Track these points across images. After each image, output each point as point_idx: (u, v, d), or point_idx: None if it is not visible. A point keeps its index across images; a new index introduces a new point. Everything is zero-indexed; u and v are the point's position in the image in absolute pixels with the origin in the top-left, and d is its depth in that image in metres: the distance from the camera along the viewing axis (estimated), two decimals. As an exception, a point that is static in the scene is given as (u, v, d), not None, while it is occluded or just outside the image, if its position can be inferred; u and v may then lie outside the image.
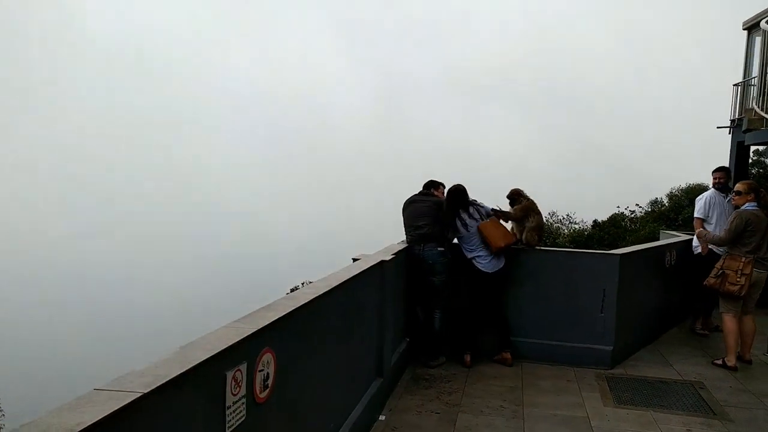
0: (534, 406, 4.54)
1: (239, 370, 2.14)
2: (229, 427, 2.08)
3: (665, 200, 24.76)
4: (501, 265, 5.33)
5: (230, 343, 2.07)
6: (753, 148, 13.43)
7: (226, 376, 2.04)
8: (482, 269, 5.27)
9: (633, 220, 21.08)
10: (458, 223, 5.34)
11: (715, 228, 6.57)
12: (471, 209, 5.36)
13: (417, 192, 5.63)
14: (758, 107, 6.38)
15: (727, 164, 14.57)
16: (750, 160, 18.04)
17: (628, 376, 5.29)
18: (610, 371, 5.39)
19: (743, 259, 5.48)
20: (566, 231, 18.33)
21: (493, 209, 5.50)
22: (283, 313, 2.55)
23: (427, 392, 4.79)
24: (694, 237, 6.76)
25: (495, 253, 5.27)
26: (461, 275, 5.39)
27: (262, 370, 2.33)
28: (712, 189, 6.81)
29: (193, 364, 1.79)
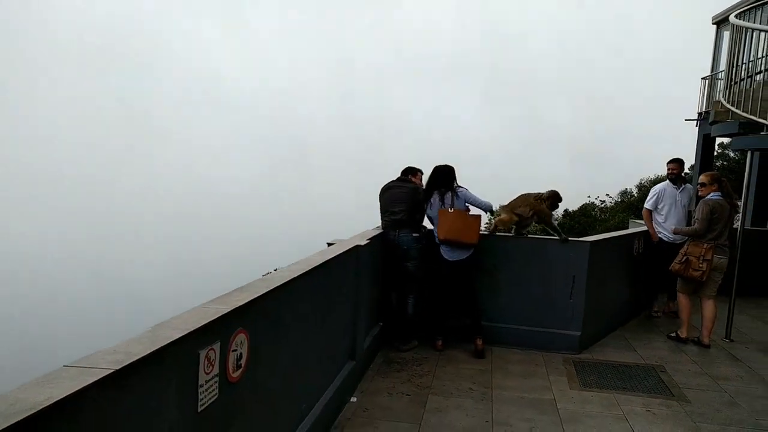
0: (502, 389, 4.65)
1: (212, 349, 2.16)
2: (202, 405, 2.11)
3: (635, 191, 25.24)
4: (463, 256, 5.29)
5: (204, 323, 2.09)
6: (717, 141, 13.79)
7: (199, 354, 2.06)
8: (444, 256, 5.34)
9: (603, 209, 21.52)
10: (428, 203, 5.36)
11: (665, 219, 6.84)
12: (448, 194, 5.32)
13: (395, 178, 5.66)
14: (725, 100, 6.54)
15: (694, 156, 14.99)
16: (715, 153, 18.55)
17: (594, 361, 5.44)
18: (577, 356, 5.53)
19: (705, 246, 5.76)
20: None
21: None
22: (257, 295, 2.57)
23: (399, 375, 4.86)
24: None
25: (442, 242, 5.28)
26: (434, 261, 5.45)
27: (235, 350, 2.36)
28: (667, 180, 7.02)
29: (166, 343, 1.81)
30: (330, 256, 3.71)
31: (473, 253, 5.34)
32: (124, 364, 1.61)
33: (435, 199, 5.34)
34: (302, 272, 3.14)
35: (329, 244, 4.34)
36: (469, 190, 5.40)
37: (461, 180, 5.48)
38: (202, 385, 2.10)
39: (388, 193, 5.51)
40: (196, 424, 2.08)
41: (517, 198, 5.78)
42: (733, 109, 6.36)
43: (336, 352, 4.07)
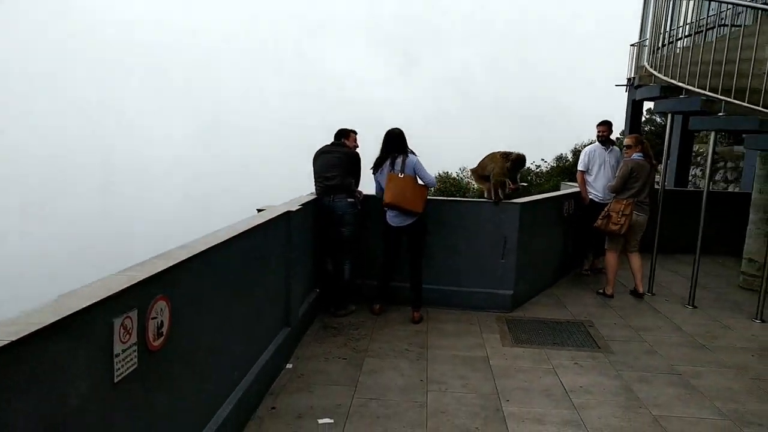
0: (437, 348, 4.74)
1: (129, 317, 2.08)
2: (119, 375, 2.04)
3: (570, 155, 25.91)
4: (407, 222, 5.25)
5: (118, 290, 2.01)
6: (646, 106, 14.30)
7: (113, 323, 1.99)
8: (388, 221, 5.34)
9: (538, 174, 22.04)
10: (380, 169, 5.29)
11: (595, 179, 7.13)
12: (399, 158, 5.21)
13: (328, 143, 5.58)
14: (648, 65, 6.75)
15: (624, 120, 15.49)
16: (643, 118, 19.25)
17: (526, 318, 5.61)
18: (510, 314, 5.70)
19: (624, 202, 6.16)
20: (476, 185, 18.88)
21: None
22: (177, 261, 2.49)
23: (336, 340, 4.88)
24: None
25: (387, 206, 5.21)
26: (381, 225, 5.43)
27: (155, 318, 2.29)
28: (596, 142, 7.29)
29: (70, 312, 1.72)
30: (258, 222, 3.64)
31: (419, 220, 5.28)
32: (21, 335, 1.52)
33: (386, 165, 5.25)
34: (227, 238, 3.07)
35: (259, 210, 4.25)
36: (420, 160, 5.27)
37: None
38: (118, 355, 2.03)
39: (321, 158, 5.44)
40: (112, 395, 2.02)
41: (485, 158, 5.82)
42: (655, 73, 6.58)
43: (269, 319, 4.03)
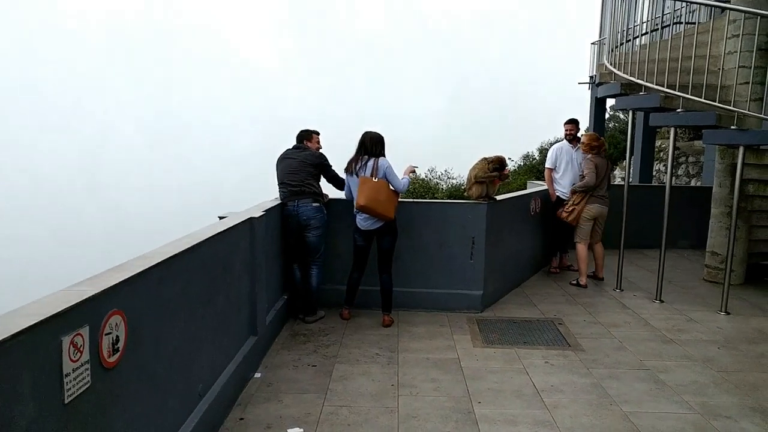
0: (408, 352, 4.69)
1: (79, 334, 1.98)
2: (70, 396, 1.93)
3: (536, 154, 26.19)
4: (377, 225, 5.15)
5: (66, 306, 1.91)
6: (609, 103, 14.53)
7: (62, 341, 1.88)
8: (358, 224, 5.27)
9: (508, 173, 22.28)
10: (354, 172, 5.17)
11: (562, 176, 7.23)
12: (371, 161, 5.10)
13: (291, 146, 5.49)
14: (608, 62, 6.84)
15: (588, 117, 15.72)
16: (607, 116, 19.57)
17: (496, 318, 5.61)
18: (480, 314, 5.69)
19: (578, 194, 6.75)
20: (444, 186, 18.94)
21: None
22: (133, 273, 2.39)
23: (305, 347, 4.79)
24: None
25: (360, 209, 5.09)
26: (350, 229, 5.35)
27: (109, 333, 2.18)
28: (564, 140, 7.38)
29: (14, 332, 1.62)
30: (220, 230, 3.54)
31: (389, 223, 5.19)
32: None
33: (359, 167, 5.15)
34: (186, 248, 2.97)
35: (221, 218, 4.15)
36: (392, 166, 5.18)
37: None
38: (68, 374, 1.93)
39: (283, 164, 5.35)
40: (63, 417, 1.91)
41: (477, 163, 5.80)
42: (615, 71, 6.66)
43: (234, 329, 3.93)
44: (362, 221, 5.20)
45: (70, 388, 1.94)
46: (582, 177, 6.80)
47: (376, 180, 5.06)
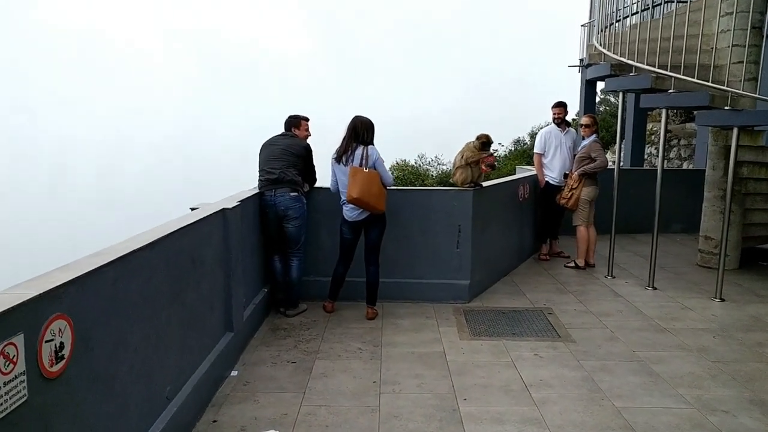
0: (392, 346, 4.51)
1: (11, 343, 1.78)
2: (2, 411, 1.73)
3: (527, 138, 26.02)
4: (364, 216, 4.92)
5: (-7, 314, 1.71)
6: (600, 87, 14.34)
7: (-12, 353, 1.68)
8: (345, 216, 5.02)
9: (497, 159, 22.07)
10: (345, 161, 4.87)
11: (551, 161, 7.04)
12: (360, 149, 4.82)
13: (278, 133, 5.25)
14: (597, 43, 6.64)
15: (579, 101, 15.54)
16: (598, 99, 19.40)
17: (484, 308, 5.44)
18: (467, 305, 5.51)
19: (575, 177, 6.65)
20: (435, 172, 18.74)
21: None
22: (81, 273, 2.18)
23: (285, 342, 4.60)
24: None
25: (352, 201, 4.82)
26: (337, 219, 5.13)
27: (51, 340, 1.98)
28: (552, 124, 7.19)
29: None
30: (188, 223, 3.33)
31: (378, 214, 4.96)
32: None
33: (348, 156, 4.85)
34: (147, 243, 2.75)
35: (193, 209, 3.93)
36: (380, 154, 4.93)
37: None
38: (-2, 389, 1.73)
39: (266, 150, 5.12)
40: (-7, 436, 1.71)
41: (464, 147, 5.59)
42: (604, 51, 6.47)
43: (208, 325, 3.73)
44: (349, 212, 4.96)
45: (1, 404, 1.74)
46: (584, 160, 6.64)
47: (368, 171, 4.79)
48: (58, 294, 2.03)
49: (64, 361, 2.05)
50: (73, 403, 2.14)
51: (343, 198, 4.92)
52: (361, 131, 4.88)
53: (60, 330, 2.03)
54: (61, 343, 2.04)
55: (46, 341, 1.96)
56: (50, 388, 1.99)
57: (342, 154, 4.89)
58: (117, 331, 2.47)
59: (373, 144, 4.94)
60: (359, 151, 4.83)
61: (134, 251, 2.62)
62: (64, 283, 2.07)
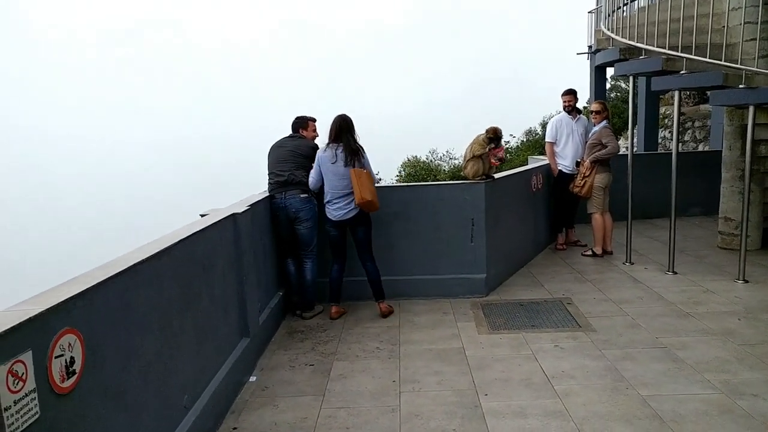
0: (410, 344, 4.46)
1: (20, 361, 1.75)
2: (14, 431, 1.71)
3: (539, 129, 25.82)
4: (352, 214, 4.86)
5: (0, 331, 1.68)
6: (610, 73, 14.15)
7: (-4, 371, 1.66)
8: (329, 215, 4.94)
9: (509, 150, 21.85)
10: (333, 158, 4.81)
11: (563, 149, 6.95)
12: (348, 149, 4.77)
13: (286, 135, 5.22)
14: (605, 27, 6.52)
15: (589, 88, 15.36)
16: (608, 85, 19.16)
17: (502, 302, 5.37)
18: (485, 299, 5.44)
19: (587, 164, 6.55)
20: (447, 167, 18.63)
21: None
22: (88, 286, 2.16)
23: (302, 345, 4.57)
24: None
25: (363, 204, 4.77)
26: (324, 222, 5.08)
27: (61, 356, 1.96)
28: (563, 112, 7.09)
29: None
30: (198, 229, 3.31)
31: (362, 213, 4.92)
32: None
33: (336, 155, 4.79)
34: (155, 252, 2.73)
35: (203, 216, 3.91)
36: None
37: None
38: (8, 408, 1.70)
39: (275, 153, 5.09)
40: (6, 455, 1.69)
41: (473, 141, 5.53)
42: (612, 35, 6.35)
43: (222, 333, 3.70)
44: (334, 211, 4.89)
45: (12, 423, 1.71)
46: (595, 146, 6.55)
47: (365, 171, 4.80)
48: (67, 308, 2.01)
49: (75, 376, 2.03)
50: (87, 419, 2.12)
51: (328, 197, 4.88)
52: (347, 130, 4.84)
53: (70, 345, 2.01)
54: (72, 358, 2.02)
55: (56, 357, 1.93)
56: (63, 404, 1.96)
57: (335, 154, 4.82)
58: (128, 343, 2.44)
59: (353, 140, 4.87)
60: (348, 150, 4.79)
61: (143, 261, 2.60)
62: (72, 296, 2.05)
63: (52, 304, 1.94)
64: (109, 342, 2.28)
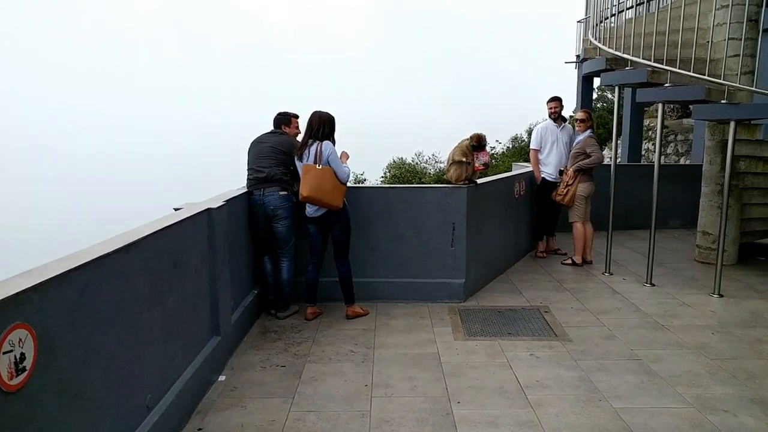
0: (385, 348, 4.40)
1: (-36, 355, 1.67)
2: (-46, 430, 1.62)
3: (524, 135, 25.92)
4: (321, 213, 4.78)
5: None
6: (597, 83, 14.22)
7: (-65, 367, 1.57)
8: (306, 212, 4.88)
9: (494, 156, 21.91)
10: (303, 155, 4.74)
11: (547, 156, 6.94)
12: (315, 145, 4.69)
13: (268, 130, 5.13)
14: (593, 37, 6.53)
15: (576, 97, 15.43)
16: (595, 95, 19.29)
17: (479, 308, 5.32)
18: (462, 304, 5.40)
19: (570, 173, 6.55)
20: (432, 170, 18.63)
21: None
22: (44, 279, 2.06)
23: (275, 345, 4.49)
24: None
25: (303, 200, 4.70)
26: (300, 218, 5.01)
27: (9, 351, 1.86)
28: (548, 119, 7.08)
29: None
30: (167, 224, 3.21)
31: (338, 210, 4.81)
32: None
33: (305, 152, 4.74)
34: (122, 245, 2.64)
35: (176, 210, 3.81)
36: (336, 152, 4.77)
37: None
38: (-52, 405, 1.61)
39: (255, 149, 5.00)
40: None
41: (456, 146, 5.50)
42: (599, 45, 6.35)
43: (192, 330, 3.61)
44: (308, 208, 4.84)
45: (-49, 421, 1.63)
46: (579, 155, 6.54)
47: (320, 167, 4.64)
48: (18, 301, 1.91)
49: (25, 373, 1.94)
50: (39, 417, 2.02)
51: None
52: (316, 126, 4.74)
53: (21, 340, 1.92)
54: (22, 355, 1.93)
55: (5, 353, 1.84)
56: (11, 403, 1.87)
57: (300, 151, 4.77)
58: (87, 339, 2.35)
59: (331, 139, 4.78)
60: (314, 147, 4.69)
61: (108, 254, 2.51)
62: (25, 289, 1.96)
63: (1, 297, 1.85)
64: (66, 338, 2.19)
